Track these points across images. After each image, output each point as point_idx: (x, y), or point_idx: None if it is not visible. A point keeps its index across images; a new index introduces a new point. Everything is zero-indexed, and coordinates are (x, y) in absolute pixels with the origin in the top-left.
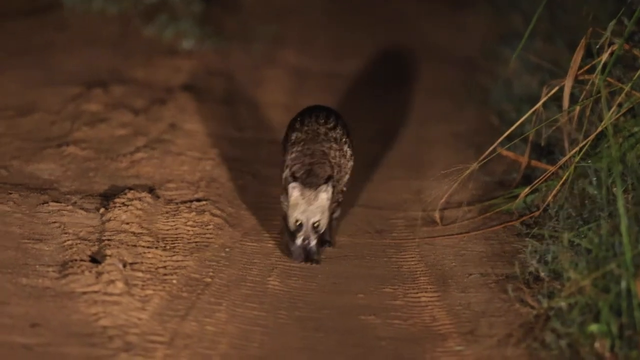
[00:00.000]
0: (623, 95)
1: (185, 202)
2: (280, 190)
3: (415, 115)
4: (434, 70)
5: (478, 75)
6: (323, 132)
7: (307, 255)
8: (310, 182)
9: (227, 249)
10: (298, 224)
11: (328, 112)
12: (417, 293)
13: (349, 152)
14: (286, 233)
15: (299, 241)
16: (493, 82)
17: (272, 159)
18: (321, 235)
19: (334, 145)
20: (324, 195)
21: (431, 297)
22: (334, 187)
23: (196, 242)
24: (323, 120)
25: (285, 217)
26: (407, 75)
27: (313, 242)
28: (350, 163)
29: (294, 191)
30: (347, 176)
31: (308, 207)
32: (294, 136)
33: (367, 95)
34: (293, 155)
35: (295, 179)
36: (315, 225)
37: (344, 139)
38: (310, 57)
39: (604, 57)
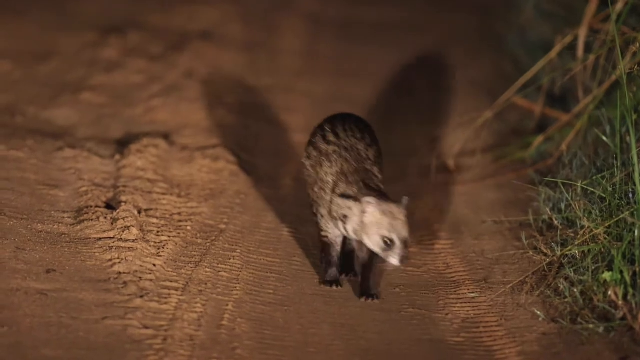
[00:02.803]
0: (637, 44)
1: (200, 148)
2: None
3: (431, 62)
4: (450, 18)
5: (494, 23)
6: (363, 148)
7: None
8: (386, 199)
9: (241, 196)
10: (385, 243)
11: (362, 125)
12: (430, 240)
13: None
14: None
15: (395, 260)
16: (509, 30)
17: (289, 105)
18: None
19: (375, 168)
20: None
21: (445, 244)
22: None
23: (211, 188)
24: (360, 135)
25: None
26: (423, 23)
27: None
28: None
29: (370, 207)
30: None
31: (396, 224)
32: (328, 150)
33: (383, 42)
34: (334, 170)
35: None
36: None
37: (379, 158)
38: (326, 4)
39: (619, 5)
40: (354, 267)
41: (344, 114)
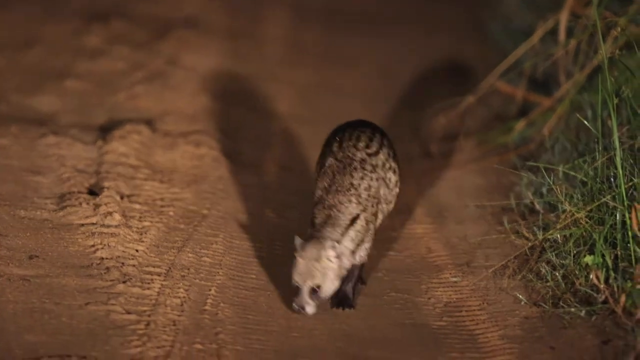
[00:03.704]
0: (619, 28)
1: (183, 135)
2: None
3: (416, 50)
4: (435, 7)
5: (478, 11)
6: (359, 159)
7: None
8: (317, 236)
9: (224, 182)
10: (294, 286)
11: (372, 132)
12: (413, 225)
13: (393, 179)
14: None
15: (294, 306)
16: (492, 18)
17: (273, 93)
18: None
19: (371, 175)
20: (331, 253)
21: (427, 228)
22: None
23: (193, 174)
24: (364, 144)
25: None
26: (407, 11)
27: (309, 311)
28: (395, 191)
29: (296, 246)
30: (391, 206)
31: (306, 268)
32: (327, 162)
33: (368, 32)
34: (319, 192)
35: (313, 226)
36: (315, 289)
37: (388, 165)
38: None
39: None
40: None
41: (356, 124)
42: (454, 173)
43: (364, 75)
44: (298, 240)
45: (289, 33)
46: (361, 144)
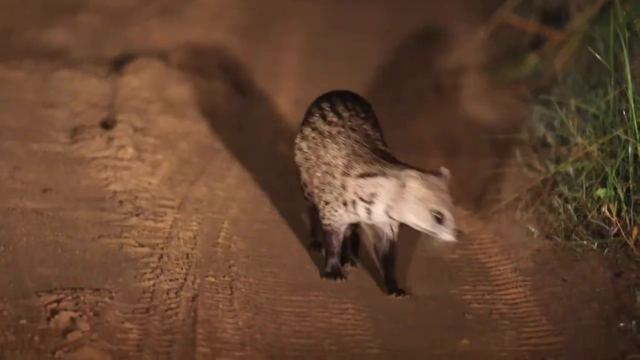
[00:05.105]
0: None
1: (196, 68)
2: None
3: None
4: None
5: None
6: (370, 129)
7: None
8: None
9: (236, 115)
10: (438, 216)
11: (362, 104)
12: (425, 159)
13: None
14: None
15: (448, 236)
16: None
17: (285, 26)
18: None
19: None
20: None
21: (440, 162)
22: None
23: (206, 108)
24: (364, 115)
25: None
26: None
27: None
28: None
29: (414, 181)
30: None
31: (444, 195)
32: (334, 130)
33: None
34: (343, 152)
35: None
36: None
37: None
38: None
39: None
40: (350, 255)
41: (341, 91)
42: (465, 107)
43: (376, 11)
44: (418, 174)
45: None
46: (362, 115)
